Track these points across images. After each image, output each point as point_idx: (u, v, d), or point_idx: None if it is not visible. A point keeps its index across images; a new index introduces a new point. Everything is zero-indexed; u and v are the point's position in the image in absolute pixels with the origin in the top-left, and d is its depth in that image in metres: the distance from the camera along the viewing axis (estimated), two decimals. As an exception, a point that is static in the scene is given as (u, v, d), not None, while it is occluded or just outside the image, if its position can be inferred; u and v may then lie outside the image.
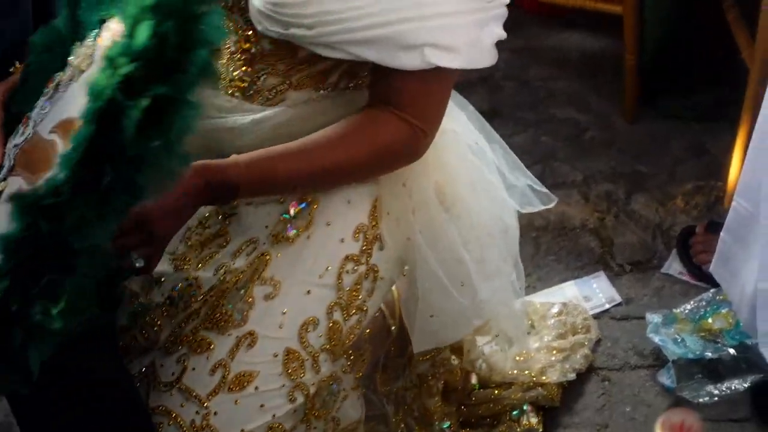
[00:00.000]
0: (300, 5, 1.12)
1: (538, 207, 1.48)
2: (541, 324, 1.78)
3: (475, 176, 1.39)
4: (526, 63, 2.44)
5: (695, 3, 2.14)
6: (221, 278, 1.21)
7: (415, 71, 1.13)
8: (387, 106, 1.17)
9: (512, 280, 1.48)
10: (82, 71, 1.11)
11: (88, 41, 1.12)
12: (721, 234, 1.50)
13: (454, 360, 1.62)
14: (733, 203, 1.47)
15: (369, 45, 1.15)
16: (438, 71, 1.13)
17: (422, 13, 1.12)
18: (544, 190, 1.46)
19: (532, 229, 1.97)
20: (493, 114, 2.23)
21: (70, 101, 1.09)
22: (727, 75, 2.11)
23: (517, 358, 1.71)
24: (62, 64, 1.18)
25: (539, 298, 1.83)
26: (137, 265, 1.11)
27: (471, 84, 2.32)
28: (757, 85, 1.71)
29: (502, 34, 1.16)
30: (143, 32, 0.92)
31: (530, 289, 1.84)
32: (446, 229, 1.32)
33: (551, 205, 1.46)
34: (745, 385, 1.62)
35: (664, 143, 2.16)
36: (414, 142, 1.21)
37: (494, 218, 1.40)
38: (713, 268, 1.55)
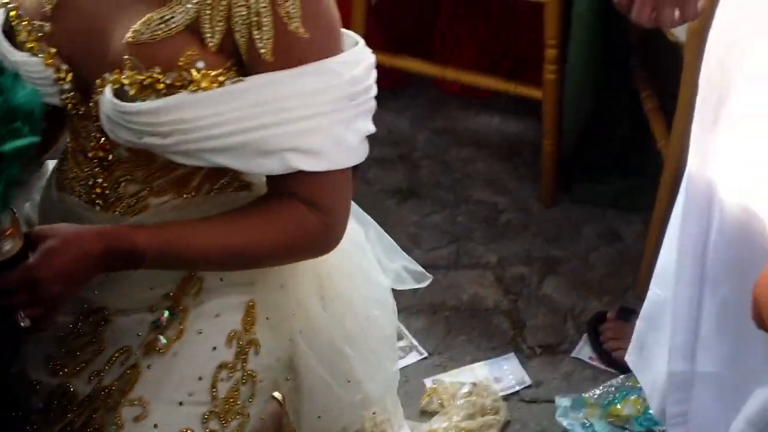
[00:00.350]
0: (153, 114, 1.12)
1: (411, 285, 1.49)
2: (450, 404, 1.77)
3: (351, 264, 1.39)
4: (445, 143, 2.43)
5: (614, 92, 2.15)
6: (95, 388, 1.20)
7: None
8: (291, 197, 1.17)
9: (394, 357, 1.49)
10: None
11: None
12: (637, 322, 1.52)
13: None
14: (649, 292, 1.49)
15: (228, 152, 1.14)
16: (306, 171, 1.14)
17: (281, 118, 1.12)
18: (419, 269, 1.46)
19: (444, 308, 1.96)
20: (410, 193, 2.25)
21: None
22: (642, 164, 2.13)
23: (426, 438, 1.73)
24: None
25: (449, 378, 1.82)
26: (22, 324, 1.06)
27: (389, 162, 2.34)
28: (673, 176, 1.74)
29: (371, 129, 1.17)
30: None
31: (441, 368, 1.85)
32: (326, 325, 1.32)
33: (425, 284, 1.47)
34: (655, 474, 1.64)
35: (579, 229, 2.16)
36: (320, 233, 1.20)
37: (370, 300, 1.40)
38: (628, 357, 1.56)
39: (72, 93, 1.20)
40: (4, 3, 1.26)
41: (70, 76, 1.18)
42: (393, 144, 2.46)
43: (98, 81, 1.13)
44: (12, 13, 1.22)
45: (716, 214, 1.28)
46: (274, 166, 1.12)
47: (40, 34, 1.20)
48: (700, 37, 1.55)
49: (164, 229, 1.18)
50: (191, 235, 1.18)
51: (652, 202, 1.88)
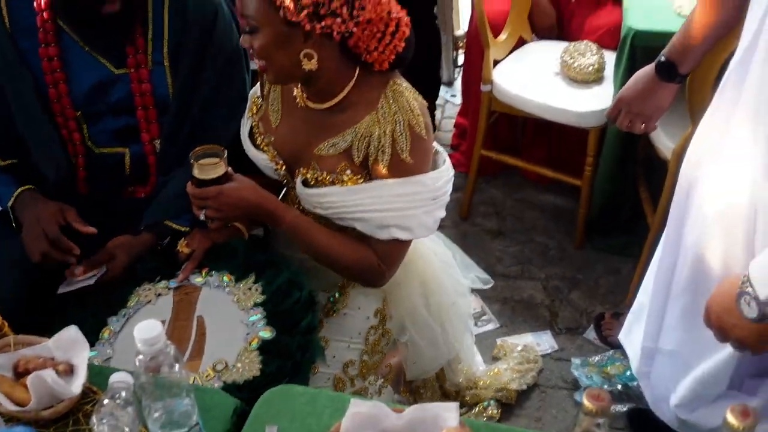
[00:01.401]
0: (320, 196, 1.36)
1: (480, 286, 1.75)
2: (509, 355, 2.09)
3: (443, 273, 1.61)
4: (521, 206, 2.72)
5: (624, 185, 2.37)
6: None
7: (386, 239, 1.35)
8: (374, 250, 1.38)
9: (467, 322, 1.71)
10: (239, 303, 1.40)
11: (246, 293, 1.42)
12: (628, 316, 1.70)
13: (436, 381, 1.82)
14: (636, 298, 1.67)
15: (358, 222, 1.34)
16: (397, 240, 1.36)
17: (390, 207, 1.32)
18: (485, 276, 1.75)
19: (512, 300, 2.33)
20: (498, 233, 2.60)
21: (218, 326, 1.37)
22: (637, 229, 2.38)
23: (492, 372, 1.97)
24: None
25: (511, 340, 2.17)
26: (201, 218, 1.35)
27: (489, 214, 2.69)
28: (654, 236, 2.00)
29: (443, 215, 1.40)
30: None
31: (506, 333, 2.21)
32: (425, 308, 1.55)
33: (488, 286, 1.78)
34: (625, 409, 1.93)
35: (595, 264, 2.45)
36: (377, 274, 1.40)
37: (455, 294, 1.62)
38: (620, 336, 1.73)
39: (284, 175, 1.46)
40: (251, 116, 1.49)
41: (283, 167, 1.45)
42: (491, 204, 2.74)
43: (296, 171, 1.41)
44: (254, 125, 1.48)
45: (680, 258, 1.40)
46: (383, 234, 1.34)
47: (267, 141, 1.46)
48: (678, 156, 1.87)
49: (304, 219, 1.40)
50: (316, 231, 1.40)
51: (640, 252, 2.19)
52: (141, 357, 0.92)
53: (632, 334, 1.65)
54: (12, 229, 1.53)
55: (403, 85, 1.32)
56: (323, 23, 1.19)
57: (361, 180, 1.32)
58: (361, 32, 1.22)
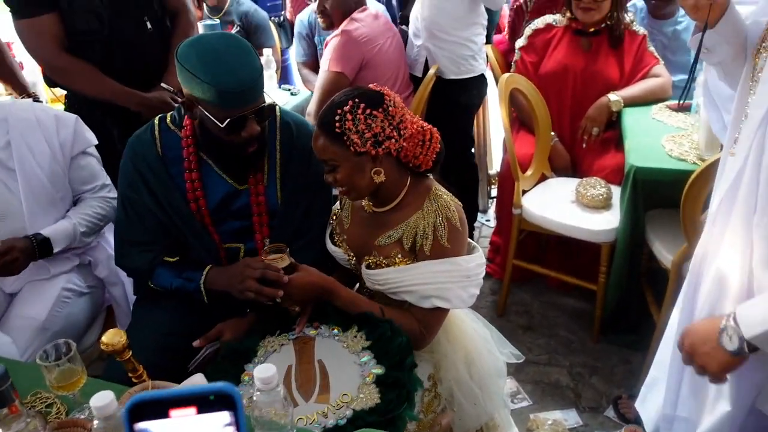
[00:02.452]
0: (378, 276, 1.49)
1: (513, 360, 1.75)
2: (541, 428, 2.22)
3: (483, 348, 1.66)
4: (546, 306, 2.91)
5: (632, 290, 2.50)
6: None
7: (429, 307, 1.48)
8: (417, 318, 1.50)
9: (504, 398, 1.74)
10: (348, 348, 1.47)
11: (353, 339, 1.49)
12: (642, 387, 1.72)
13: None
14: (649, 374, 1.70)
15: (407, 294, 1.48)
16: (438, 308, 1.48)
17: (433, 281, 1.45)
18: (517, 353, 1.75)
19: (542, 383, 2.47)
20: (528, 328, 2.78)
21: (335, 368, 1.43)
22: (642, 327, 2.48)
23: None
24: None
25: (542, 415, 2.31)
26: (277, 300, 1.49)
27: (521, 312, 2.86)
28: (659, 334, 1.90)
29: (476, 293, 1.50)
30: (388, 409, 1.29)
31: (537, 410, 2.33)
32: (466, 379, 1.59)
33: (521, 360, 1.76)
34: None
35: (610, 355, 2.60)
36: (418, 338, 1.50)
37: (492, 366, 1.67)
38: (637, 403, 1.72)
39: (354, 263, 1.61)
40: (331, 222, 1.65)
41: (353, 258, 1.60)
42: (522, 305, 2.93)
43: (362, 259, 1.56)
44: (334, 228, 1.66)
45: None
46: (426, 303, 1.46)
47: (342, 239, 1.63)
48: (677, 266, 2.08)
49: (356, 294, 1.54)
50: (366, 303, 1.52)
51: (646, 346, 2.30)
52: (258, 394, 0.99)
53: (647, 402, 1.69)
54: (156, 305, 1.71)
55: (442, 191, 1.52)
56: (384, 146, 1.41)
57: (410, 262, 1.47)
58: (408, 145, 1.45)
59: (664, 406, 1.53)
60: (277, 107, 1.69)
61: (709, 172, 1.69)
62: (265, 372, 1.01)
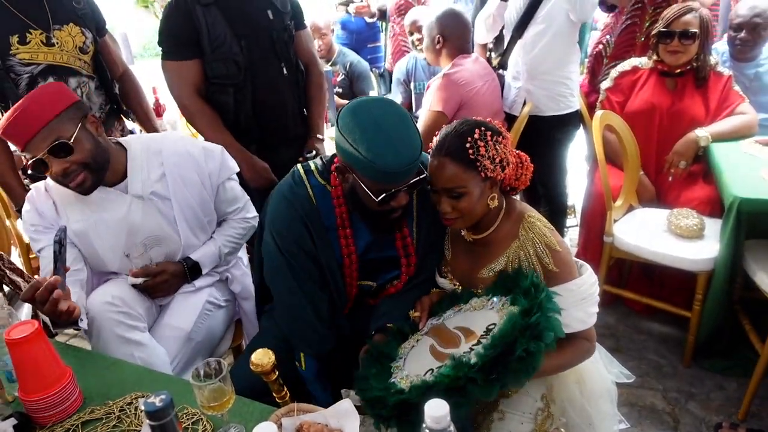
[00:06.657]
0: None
1: (623, 380, 1.64)
2: None
3: (593, 369, 1.56)
4: (632, 330, 2.69)
5: (729, 317, 2.30)
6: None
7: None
8: (580, 338, 1.40)
9: (616, 419, 1.60)
10: (476, 309, 1.40)
11: (476, 301, 1.41)
12: None
13: None
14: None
15: None
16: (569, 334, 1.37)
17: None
18: (626, 372, 1.64)
19: (637, 406, 2.24)
20: (617, 350, 2.55)
21: (472, 321, 1.35)
22: (735, 353, 2.35)
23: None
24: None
25: None
26: (414, 314, 1.48)
27: (609, 336, 2.64)
28: (765, 362, 1.98)
29: (595, 311, 1.39)
30: (531, 317, 1.18)
31: None
32: (579, 395, 1.51)
33: (631, 380, 1.64)
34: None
35: (704, 380, 2.36)
36: (589, 352, 1.43)
37: (602, 385, 1.57)
38: None
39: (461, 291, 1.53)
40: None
41: (459, 287, 1.53)
42: (609, 328, 2.73)
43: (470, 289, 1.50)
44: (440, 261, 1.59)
45: None
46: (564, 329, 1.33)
47: (447, 270, 1.56)
48: None
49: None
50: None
51: (741, 373, 2.21)
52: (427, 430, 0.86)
53: None
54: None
55: (535, 216, 1.42)
56: (507, 170, 1.36)
57: None
58: (511, 169, 1.40)
59: None
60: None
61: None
62: (437, 410, 0.84)
